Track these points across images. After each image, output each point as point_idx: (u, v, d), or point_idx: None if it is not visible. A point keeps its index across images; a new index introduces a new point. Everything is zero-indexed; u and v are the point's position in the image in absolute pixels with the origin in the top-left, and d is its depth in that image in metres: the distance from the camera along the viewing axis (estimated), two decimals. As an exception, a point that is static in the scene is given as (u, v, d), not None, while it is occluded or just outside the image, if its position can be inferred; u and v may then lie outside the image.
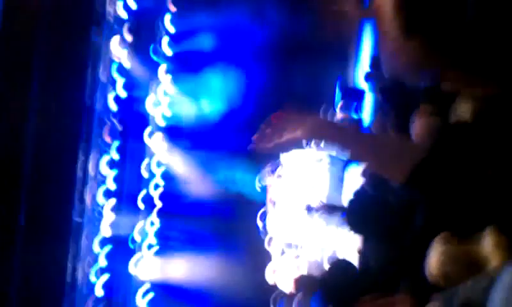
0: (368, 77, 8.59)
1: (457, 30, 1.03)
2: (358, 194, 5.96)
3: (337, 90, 10.81)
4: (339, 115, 11.16)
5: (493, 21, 1.01)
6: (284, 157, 11.42)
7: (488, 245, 2.56)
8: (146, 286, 13.57)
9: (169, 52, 13.59)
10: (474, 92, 1.14)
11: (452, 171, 1.19)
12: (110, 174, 12.68)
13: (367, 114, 10.28)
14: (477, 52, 1.04)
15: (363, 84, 10.17)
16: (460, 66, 1.08)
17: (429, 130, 4.02)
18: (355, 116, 10.80)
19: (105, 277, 12.57)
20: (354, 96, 10.63)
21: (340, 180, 10.28)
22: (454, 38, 1.03)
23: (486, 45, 1.02)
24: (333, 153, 10.72)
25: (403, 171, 1.24)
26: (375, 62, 7.98)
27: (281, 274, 9.86)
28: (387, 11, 1.10)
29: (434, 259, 2.72)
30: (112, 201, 12.75)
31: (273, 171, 11.50)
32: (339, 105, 10.91)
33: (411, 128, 4.22)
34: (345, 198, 9.70)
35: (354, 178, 8.64)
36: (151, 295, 13.59)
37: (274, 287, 9.93)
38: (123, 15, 12.64)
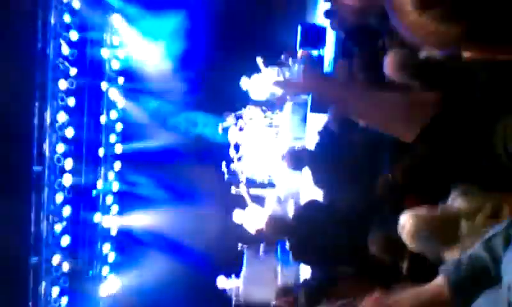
0: (327, 14, 8.45)
1: (473, 4, 1.02)
2: (323, 134, 5.96)
3: (298, 28, 10.68)
4: (300, 53, 11.08)
5: None
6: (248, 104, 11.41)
7: (457, 201, 2.60)
8: (112, 233, 13.56)
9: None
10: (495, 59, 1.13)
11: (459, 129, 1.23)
12: (67, 121, 12.33)
13: (328, 50, 10.20)
14: (499, 19, 1.02)
15: (323, 21, 10.06)
16: (481, 36, 1.06)
17: (402, 63, 4.02)
18: (316, 53, 10.74)
19: (70, 225, 12.46)
20: (314, 34, 10.52)
21: (303, 120, 10.32)
22: (473, 7, 1.01)
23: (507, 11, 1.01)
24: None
25: (412, 129, 1.26)
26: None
27: (248, 215, 9.97)
28: None
29: (408, 232, 2.75)
30: (71, 148, 12.49)
31: (237, 117, 11.46)
32: (299, 42, 10.80)
33: (384, 63, 4.19)
34: (309, 137, 9.78)
35: (317, 118, 8.68)
36: (115, 241, 13.64)
37: (241, 229, 10.04)
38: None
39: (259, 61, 10.91)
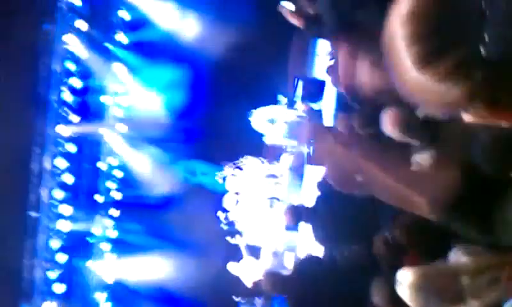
0: (329, 71, 8.58)
1: (479, 63, 0.97)
2: (322, 188, 5.98)
3: (298, 82, 10.83)
4: (300, 106, 11.20)
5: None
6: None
7: (460, 259, 2.58)
8: (105, 281, 13.39)
9: (125, 40, 13.31)
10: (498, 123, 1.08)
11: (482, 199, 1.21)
12: (66, 167, 12.35)
13: (327, 104, 10.32)
14: (506, 81, 0.97)
15: (323, 76, 10.20)
16: (486, 98, 1.01)
17: (400, 121, 4.07)
18: (315, 107, 10.85)
19: (65, 273, 12.33)
20: (314, 87, 10.66)
21: (301, 173, 10.35)
22: (478, 70, 0.96)
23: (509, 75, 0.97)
24: (293, 148, 10.81)
25: (434, 203, 1.24)
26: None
27: (244, 268, 9.88)
28: (401, 40, 1.01)
29: (407, 289, 2.70)
30: (69, 195, 12.48)
31: (236, 166, 11.50)
32: (300, 96, 10.93)
33: (382, 120, 4.24)
34: (306, 192, 9.79)
35: (315, 172, 8.70)
36: (110, 290, 13.46)
37: (238, 281, 9.94)
38: (77, 2, 12.28)
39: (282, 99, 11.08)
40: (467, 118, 1.11)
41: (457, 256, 2.64)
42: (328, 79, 8.99)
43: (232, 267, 10.04)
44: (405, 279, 2.75)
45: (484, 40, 0.95)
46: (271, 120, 11.12)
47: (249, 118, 11.21)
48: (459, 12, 0.97)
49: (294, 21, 6.14)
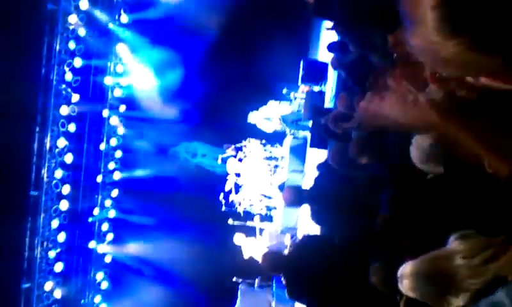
0: (331, 48, 8.45)
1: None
2: (322, 169, 5.94)
3: (300, 63, 10.76)
4: (302, 87, 11.15)
5: None
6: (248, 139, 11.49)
7: (454, 243, 2.57)
8: (106, 260, 13.45)
9: (127, 20, 13.22)
10: None
11: None
12: (67, 147, 12.34)
13: (329, 86, 10.26)
14: None
15: (325, 58, 10.12)
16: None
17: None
18: (317, 88, 10.80)
19: (64, 252, 12.38)
20: (316, 69, 10.59)
21: (303, 156, 10.33)
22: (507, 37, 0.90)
23: None
24: (295, 131, 10.77)
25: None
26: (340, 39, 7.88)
27: (252, 244, 9.91)
28: (429, 9, 0.94)
29: (406, 282, 2.70)
30: (70, 174, 12.48)
31: (237, 148, 11.48)
32: (301, 78, 10.86)
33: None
34: (308, 172, 9.77)
35: (316, 155, 8.68)
36: (109, 269, 13.53)
37: (237, 262, 9.97)
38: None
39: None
40: (484, 80, 1.05)
41: (452, 241, 2.62)
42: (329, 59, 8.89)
43: (239, 239, 10.04)
44: (403, 272, 2.72)
45: None
46: (268, 119, 11.13)
47: (248, 120, 11.23)
48: None
49: None
